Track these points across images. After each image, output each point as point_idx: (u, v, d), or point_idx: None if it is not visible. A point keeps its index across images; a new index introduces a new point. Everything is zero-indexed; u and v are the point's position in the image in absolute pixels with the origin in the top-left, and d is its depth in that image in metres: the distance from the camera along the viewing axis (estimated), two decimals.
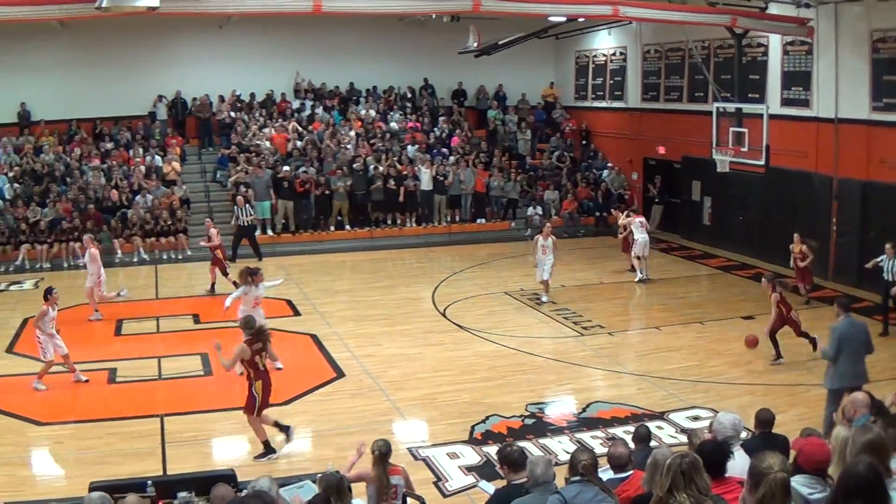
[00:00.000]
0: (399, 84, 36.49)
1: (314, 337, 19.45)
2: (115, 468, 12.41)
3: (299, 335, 19.56)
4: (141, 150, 31.83)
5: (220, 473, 10.28)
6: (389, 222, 31.29)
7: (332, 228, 30.64)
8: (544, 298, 21.97)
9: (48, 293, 17.06)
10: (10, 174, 30.20)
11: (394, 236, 30.61)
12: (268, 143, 31.97)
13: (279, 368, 16.62)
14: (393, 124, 34.26)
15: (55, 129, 32.62)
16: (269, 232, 29.86)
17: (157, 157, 31.55)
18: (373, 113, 34.69)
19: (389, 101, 35.87)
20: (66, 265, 27.56)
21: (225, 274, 23.44)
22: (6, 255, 27.63)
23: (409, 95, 36.33)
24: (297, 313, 21.64)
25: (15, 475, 12.75)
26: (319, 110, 34.50)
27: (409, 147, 32.76)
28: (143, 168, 30.82)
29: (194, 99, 33.75)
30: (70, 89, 32.17)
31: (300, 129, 33.22)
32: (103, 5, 16.96)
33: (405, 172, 30.97)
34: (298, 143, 32.28)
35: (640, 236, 24.30)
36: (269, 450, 13.10)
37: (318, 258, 28.13)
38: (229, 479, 9.48)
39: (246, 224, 27.75)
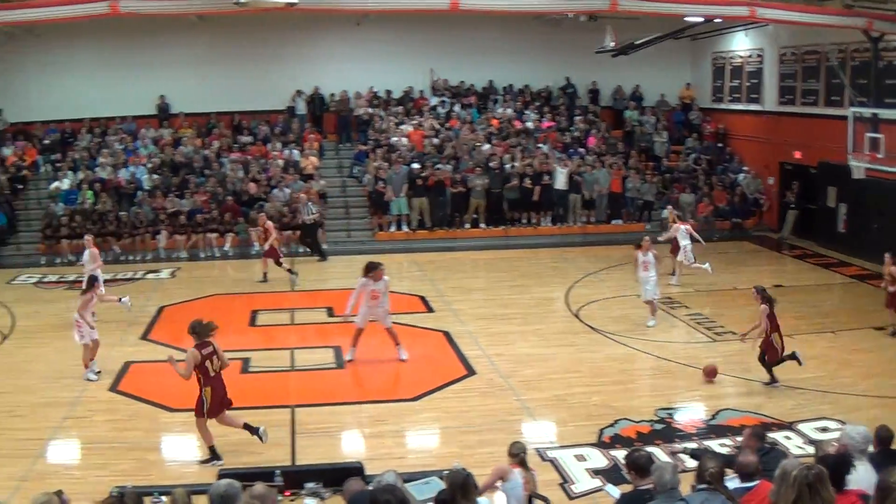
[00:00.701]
0: (535, 83, 36.01)
1: (447, 334, 19.18)
2: (245, 457, 12.51)
3: (432, 332, 19.34)
4: (279, 145, 32.05)
5: (348, 466, 10.25)
6: (524, 221, 30.83)
7: (468, 226, 30.31)
8: (651, 323, 19.84)
9: (93, 282, 17.64)
10: (150, 165, 30.81)
11: (528, 235, 30.16)
12: (405, 140, 31.85)
13: (403, 359, 16.71)
14: (529, 123, 33.77)
15: (194, 122, 33.35)
16: (405, 228, 29.70)
17: (295, 152, 31.72)
18: (510, 111, 34.29)
19: (526, 99, 35.39)
20: (202, 255, 28.07)
21: (278, 263, 24.21)
22: (144, 245, 28.23)
23: (546, 94, 35.79)
24: (430, 310, 21.41)
25: (144, 459, 12.87)
26: (457, 108, 34.27)
27: (545, 146, 32.22)
28: (280, 162, 31.08)
29: (332, 95, 33.93)
30: (209, 83, 32.82)
31: (437, 126, 32.99)
32: (242, 0, 16.94)
33: (541, 171, 30.43)
34: (435, 141, 32.03)
35: (685, 242, 23.49)
36: (214, 455, 12.65)
37: (452, 255, 27.90)
38: (357, 471, 9.39)
39: (308, 222, 27.67)
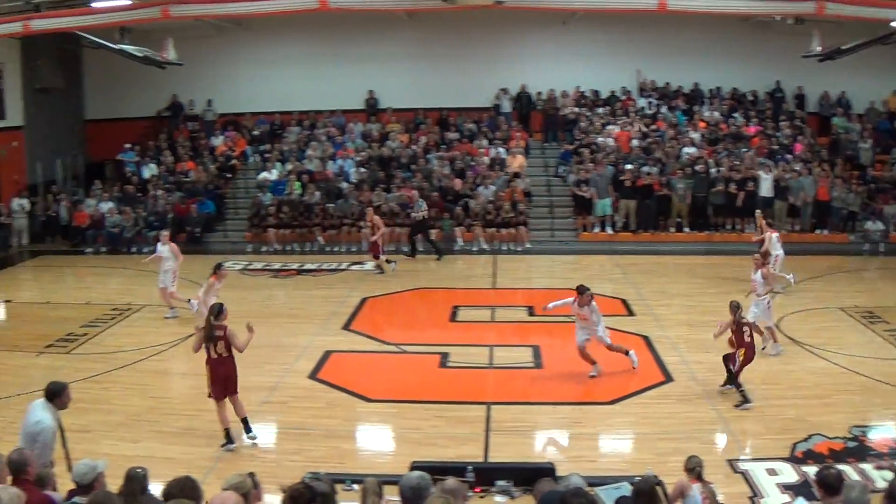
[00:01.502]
0: (742, 86, 34.77)
1: (646, 338, 18.58)
2: (438, 450, 12.38)
3: (631, 335, 18.71)
4: (485, 142, 31.93)
5: (539, 466, 10.19)
6: (729, 227, 29.76)
7: (672, 230, 29.51)
8: (773, 350, 17.58)
9: (218, 268, 18.57)
10: (357, 159, 31.16)
11: (732, 241, 28.87)
12: (611, 141, 31.27)
13: (634, 367, 16.27)
14: (734, 127, 32.62)
15: (401, 118, 33.57)
16: (609, 230, 29.12)
17: (501, 150, 31.52)
18: (717, 115, 33.23)
19: (733, 102, 34.24)
20: (404, 249, 27.90)
21: (376, 258, 24.89)
22: (349, 237, 28.54)
23: (752, 98, 34.54)
24: (631, 313, 20.81)
25: (339, 448, 12.90)
26: (664, 109, 33.45)
27: (751, 151, 31.04)
28: (486, 159, 30.94)
29: (539, 93, 33.60)
30: (416, 79, 33.12)
31: (643, 128, 32.27)
32: None
33: (746, 177, 29.30)
34: (641, 142, 31.32)
35: (779, 251, 22.25)
36: (228, 440, 12.86)
37: (655, 259, 27.13)
38: (548, 472, 9.24)
39: (418, 219, 27.49)
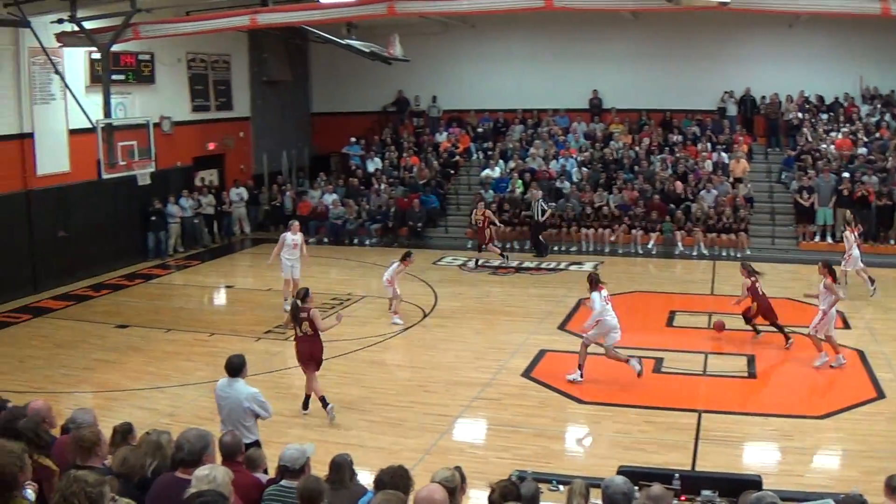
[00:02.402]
0: None
1: (860, 353, 17.74)
2: (646, 455, 12.23)
3: (846, 349, 17.94)
4: (709, 145, 31.32)
5: (746, 478, 9.93)
6: None
7: (892, 242, 28.12)
8: (823, 362, 16.70)
9: (407, 255, 20.26)
10: (580, 158, 31.08)
11: None
12: (832, 148, 30.13)
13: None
14: None
15: (625, 118, 33.25)
16: (829, 239, 28.03)
17: (724, 154, 30.85)
18: None
19: None
20: (620, 251, 27.98)
21: (479, 249, 26.16)
22: (570, 237, 28.49)
23: None
24: (847, 326, 19.90)
25: (548, 447, 12.91)
26: (887, 117, 31.93)
27: None
28: (709, 163, 30.32)
29: (763, 97, 32.70)
30: (641, 80, 32.73)
31: (864, 137, 30.91)
32: None
33: None
34: (863, 150, 30.02)
35: (855, 252, 22.21)
36: (322, 403, 14.06)
37: (875, 272, 25.66)
38: (755, 485, 9.02)
39: (540, 220, 27.66)
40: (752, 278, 17.95)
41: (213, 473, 6.24)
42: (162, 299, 23.32)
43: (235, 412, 10.22)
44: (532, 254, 27.82)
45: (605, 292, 15.95)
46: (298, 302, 14.27)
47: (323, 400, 14.06)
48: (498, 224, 26.91)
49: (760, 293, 17.89)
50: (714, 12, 23.98)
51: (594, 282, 16.10)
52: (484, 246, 26.13)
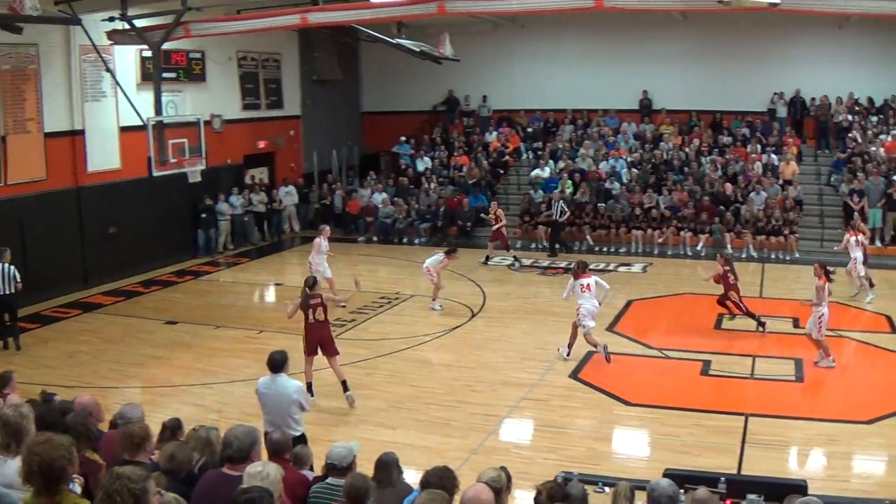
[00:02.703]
0: None
1: None
2: (692, 459, 12.16)
3: (893, 353, 17.78)
4: (759, 147, 31.11)
5: (792, 482, 9.86)
6: None
7: None
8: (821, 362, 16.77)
9: (453, 250, 21.31)
10: (630, 159, 31.02)
11: None
12: (882, 151, 29.80)
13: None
14: None
15: (675, 119, 33.12)
16: (878, 243, 27.72)
17: (774, 156, 30.63)
18: None
19: None
20: (669, 252, 27.85)
21: (507, 248, 26.49)
22: (619, 238, 28.39)
23: None
24: (894, 330, 19.73)
25: (594, 449, 12.89)
26: None
27: None
28: (759, 165, 30.12)
29: (813, 99, 32.38)
30: (690, 80, 32.59)
31: None
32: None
33: None
34: None
35: (858, 254, 21.98)
36: (309, 392, 14.15)
37: None
38: (801, 490, 8.91)
39: (560, 221, 28.03)
40: (727, 267, 19.46)
41: (265, 470, 6.33)
42: (211, 296, 23.60)
43: (283, 406, 10.45)
44: (545, 253, 27.94)
45: (587, 280, 16.97)
46: (307, 290, 14.78)
47: (344, 384, 14.42)
48: (504, 220, 26.96)
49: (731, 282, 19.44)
50: (764, 13, 23.82)
51: (578, 269, 17.31)
52: (506, 246, 26.40)
